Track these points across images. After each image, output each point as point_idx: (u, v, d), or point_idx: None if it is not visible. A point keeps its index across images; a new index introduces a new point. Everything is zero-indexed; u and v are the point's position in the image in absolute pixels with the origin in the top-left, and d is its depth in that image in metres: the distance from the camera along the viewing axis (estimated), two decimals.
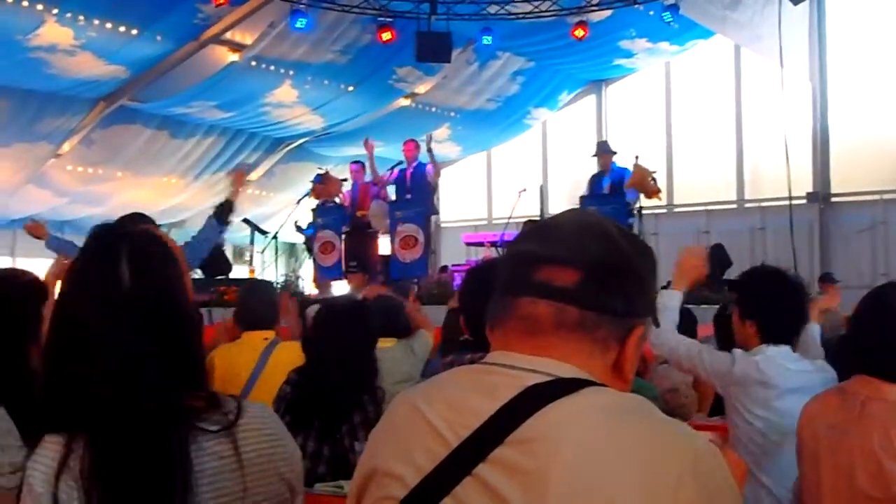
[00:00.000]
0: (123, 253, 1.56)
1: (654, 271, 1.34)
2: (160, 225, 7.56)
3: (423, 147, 10.99)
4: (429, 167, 11.02)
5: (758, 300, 3.39)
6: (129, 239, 1.60)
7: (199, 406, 1.53)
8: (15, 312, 2.46)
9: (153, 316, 1.54)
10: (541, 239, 1.30)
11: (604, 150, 11.34)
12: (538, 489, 1.13)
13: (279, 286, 10.05)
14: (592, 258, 1.26)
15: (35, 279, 2.70)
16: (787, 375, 3.20)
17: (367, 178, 11.54)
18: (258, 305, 4.41)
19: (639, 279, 1.30)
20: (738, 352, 3.36)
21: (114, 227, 1.70)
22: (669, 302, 3.67)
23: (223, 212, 4.94)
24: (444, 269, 12.83)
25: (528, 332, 1.26)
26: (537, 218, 11.20)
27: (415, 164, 11.12)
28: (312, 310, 5.74)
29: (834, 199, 15.52)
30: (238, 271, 12.69)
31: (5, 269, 2.80)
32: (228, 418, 1.53)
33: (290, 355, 3.97)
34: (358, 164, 11.82)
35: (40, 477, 1.48)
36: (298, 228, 12.25)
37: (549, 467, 1.13)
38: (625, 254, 1.28)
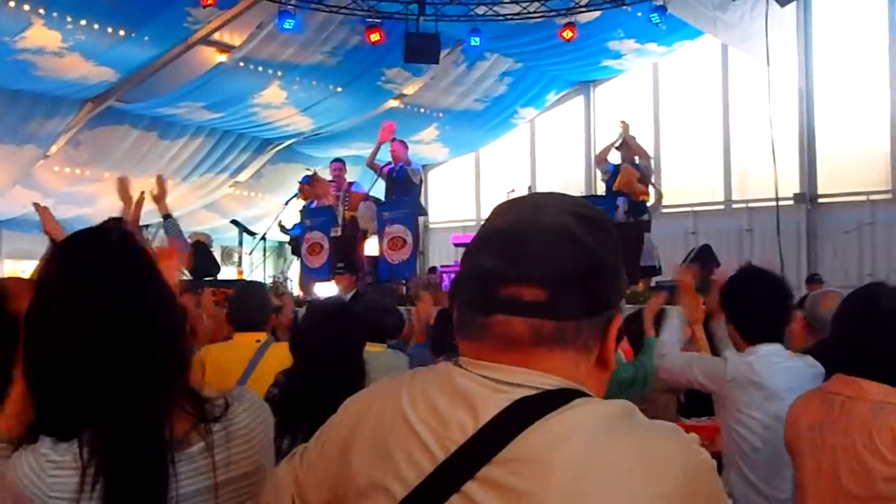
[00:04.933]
0: (113, 234, 1.60)
1: (620, 253, 1.26)
2: (147, 226, 7.56)
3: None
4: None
5: (733, 304, 3.44)
6: (115, 229, 1.63)
7: (184, 416, 1.52)
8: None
9: (136, 291, 1.53)
10: (500, 254, 1.20)
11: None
12: None
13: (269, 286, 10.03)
14: (559, 268, 1.18)
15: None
16: (781, 374, 3.22)
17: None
18: (251, 307, 4.41)
19: (609, 271, 1.22)
20: (729, 353, 3.39)
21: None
22: (672, 321, 3.76)
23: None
24: (433, 270, 12.84)
25: (505, 348, 1.21)
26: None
27: (401, 164, 11.14)
28: None
29: (821, 200, 15.58)
30: (226, 272, 12.67)
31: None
32: (212, 439, 1.52)
33: (282, 356, 3.97)
34: (339, 162, 11.82)
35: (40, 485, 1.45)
36: (283, 229, 12.21)
37: (545, 490, 1.11)
38: (591, 251, 1.20)
